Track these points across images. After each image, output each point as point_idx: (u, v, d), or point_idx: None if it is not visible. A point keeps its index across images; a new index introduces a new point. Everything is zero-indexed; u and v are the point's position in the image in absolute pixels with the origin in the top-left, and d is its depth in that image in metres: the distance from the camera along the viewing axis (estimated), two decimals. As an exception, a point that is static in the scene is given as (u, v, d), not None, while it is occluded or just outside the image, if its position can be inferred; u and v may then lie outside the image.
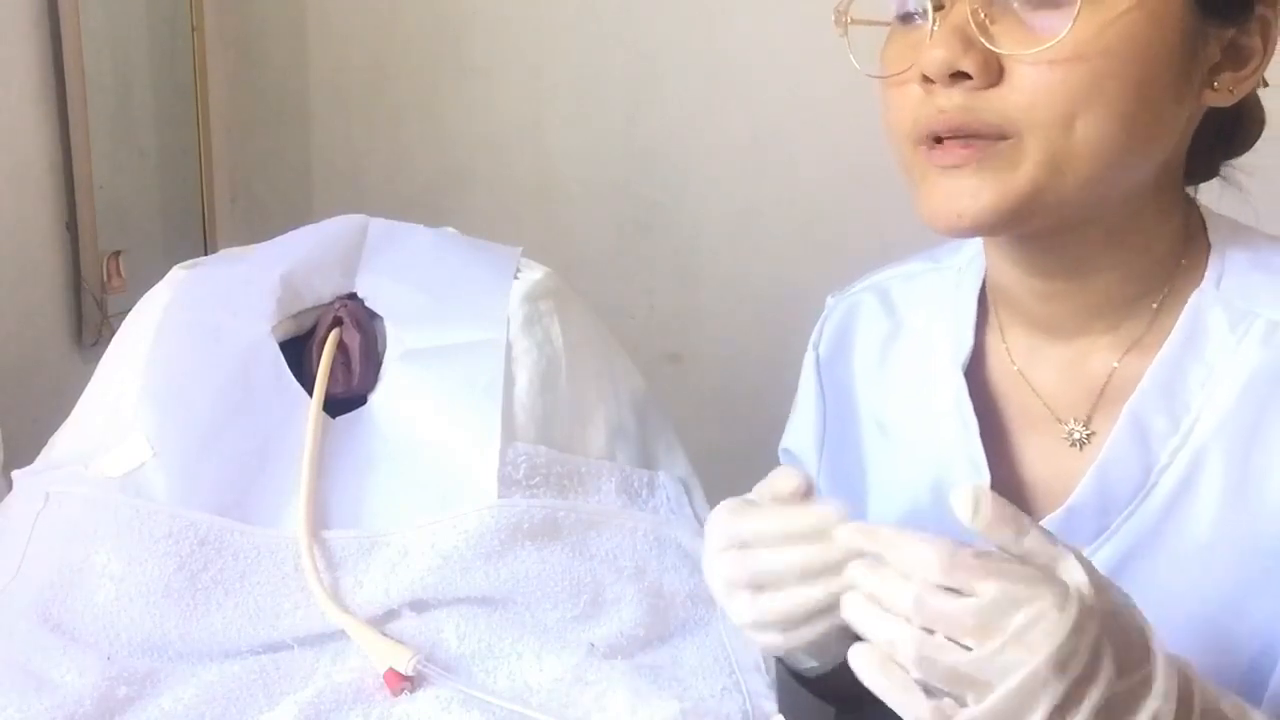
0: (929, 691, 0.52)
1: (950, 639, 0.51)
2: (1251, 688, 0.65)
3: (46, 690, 0.64)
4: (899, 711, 0.53)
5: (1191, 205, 0.72)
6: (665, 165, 1.59)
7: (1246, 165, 0.72)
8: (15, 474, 0.82)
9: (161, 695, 0.66)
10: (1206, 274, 0.69)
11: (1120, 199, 0.66)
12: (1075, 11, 0.59)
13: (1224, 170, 0.72)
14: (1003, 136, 0.62)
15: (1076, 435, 0.71)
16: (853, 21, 0.69)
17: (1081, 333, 0.71)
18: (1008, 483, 0.73)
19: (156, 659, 0.68)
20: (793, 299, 1.62)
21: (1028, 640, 0.50)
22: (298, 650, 0.70)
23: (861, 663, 0.53)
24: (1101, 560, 0.68)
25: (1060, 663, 0.50)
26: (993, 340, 0.76)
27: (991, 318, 0.77)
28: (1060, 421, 0.72)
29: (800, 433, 0.88)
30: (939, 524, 0.74)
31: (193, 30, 1.51)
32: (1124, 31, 0.60)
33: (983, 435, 0.73)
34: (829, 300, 0.89)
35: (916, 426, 0.79)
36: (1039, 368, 0.74)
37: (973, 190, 0.63)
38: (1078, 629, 0.50)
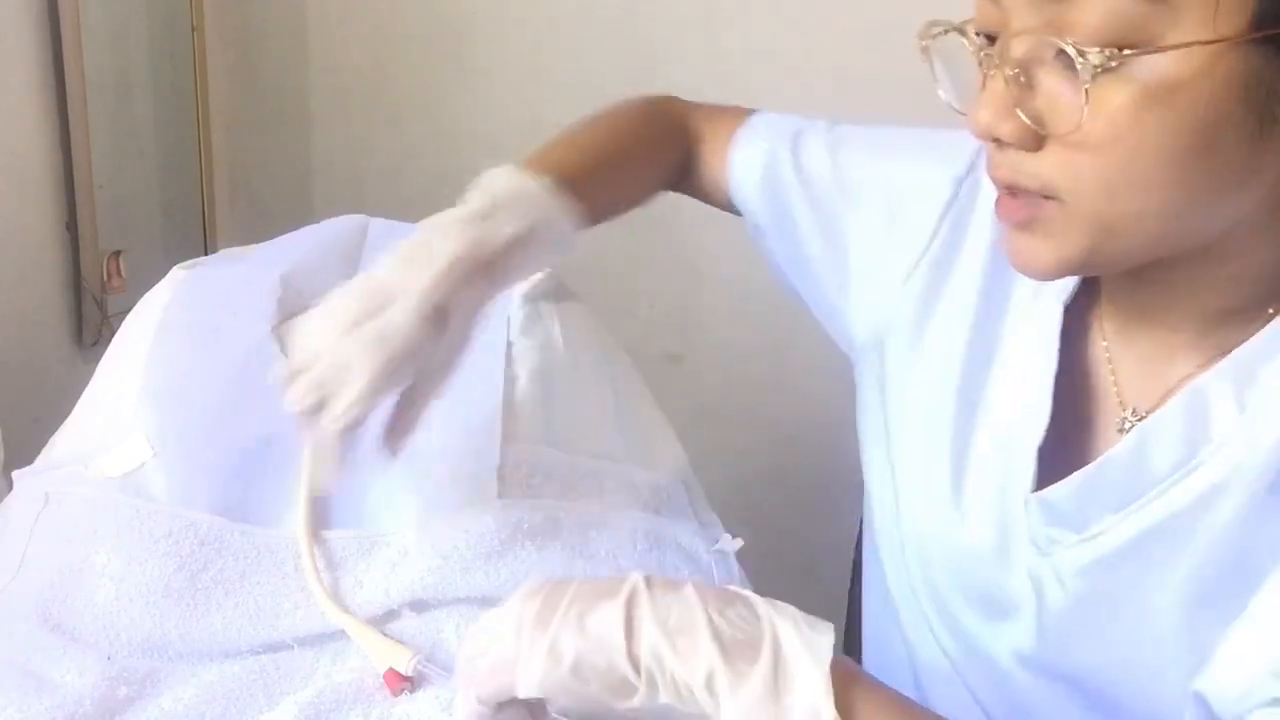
0: None
1: None
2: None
3: (46, 690, 0.64)
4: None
5: None
6: (665, 165, 1.58)
7: None
8: (15, 474, 0.82)
9: (161, 695, 0.66)
10: None
11: (1201, 240, 0.62)
12: (1084, 98, 0.55)
13: None
14: (1049, 196, 0.60)
15: (1128, 424, 0.69)
16: (928, 39, 0.64)
17: (1174, 330, 0.68)
18: (1063, 443, 0.71)
19: (156, 659, 0.68)
20: (793, 299, 1.63)
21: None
22: (298, 650, 0.70)
23: None
24: (1127, 530, 0.66)
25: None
26: (1096, 305, 0.73)
27: (1103, 285, 0.73)
28: (1122, 407, 0.70)
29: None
30: (1000, 462, 0.73)
31: (193, 30, 1.51)
32: (1158, 109, 0.55)
33: (1055, 392, 0.71)
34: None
35: (1014, 365, 0.75)
36: (1124, 352, 0.71)
37: (1033, 249, 0.62)
38: None
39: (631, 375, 0.93)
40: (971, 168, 0.79)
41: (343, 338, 0.67)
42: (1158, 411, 0.66)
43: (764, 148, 0.88)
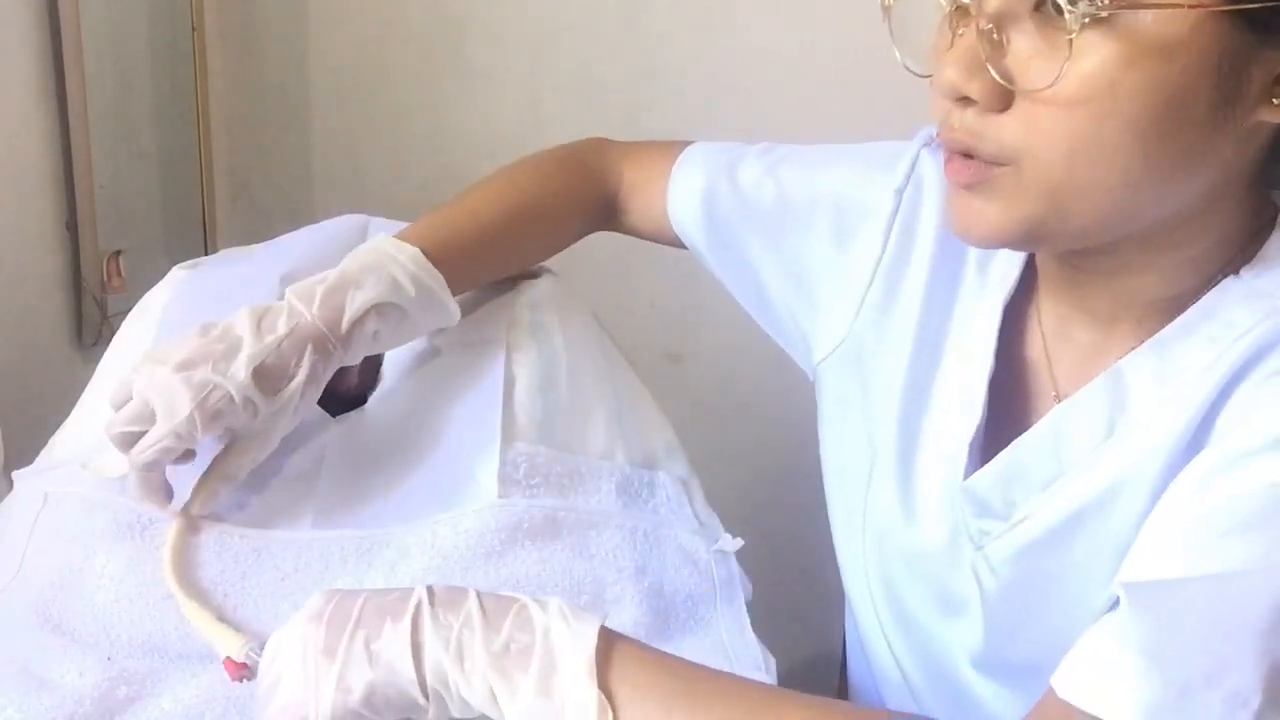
0: None
1: None
2: None
3: (46, 690, 0.64)
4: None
5: (1266, 206, 0.66)
6: (665, 165, 1.58)
7: None
8: (15, 474, 0.82)
9: (161, 695, 0.66)
10: (1249, 265, 0.64)
11: (1146, 223, 0.62)
12: (1067, 54, 0.55)
13: None
14: (1000, 163, 0.60)
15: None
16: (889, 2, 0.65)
17: (1111, 320, 0.68)
18: (999, 437, 0.71)
19: (156, 659, 0.68)
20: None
21: None
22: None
23: None
24: (1052, 514, 0.67)
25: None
26: (1034, 297, 0.74)
27: (1041, 276, 0.74)
28: (1057, 400, 0.70)
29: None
30: (912, 433, 0.74)
31: (193, 30, 1.51)
32: (1134, 72, 0.56)
33: (993, 384, 0.72)
34: (922, 133, 0.82)
35: (957, 358, 0.76)
36: (1061, 345, 0.72)
37: (979, 211, 0.62)
38: None
39: (631, 375, 0.93)
40: (910, 177, 0.79)
41: (171, 375, 0.69)
42: (1078, 392, 0.66)
43: (701, 180, 0.88)
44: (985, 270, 0.75)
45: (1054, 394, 0.71)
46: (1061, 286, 0.71)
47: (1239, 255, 0.65)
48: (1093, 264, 0.67)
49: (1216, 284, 0.64)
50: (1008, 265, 0.74)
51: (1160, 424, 0.63)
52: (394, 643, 0.56)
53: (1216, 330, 0.63)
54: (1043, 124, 0.58)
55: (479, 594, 0.59)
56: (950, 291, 0.77)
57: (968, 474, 0.72)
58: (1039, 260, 0.74)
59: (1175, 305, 0.65)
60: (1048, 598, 0.69)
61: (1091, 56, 0.56)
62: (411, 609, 0.57)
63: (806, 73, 1.49)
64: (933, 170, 0.78)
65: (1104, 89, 0.56)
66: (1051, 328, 0.73)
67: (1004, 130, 0.59)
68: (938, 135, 0.65)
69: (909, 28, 0.65)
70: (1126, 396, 0.65)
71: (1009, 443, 0.70)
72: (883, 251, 0.79)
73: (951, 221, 0.65)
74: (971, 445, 0.72)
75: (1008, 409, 0.73)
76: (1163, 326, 0.65)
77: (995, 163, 0.60)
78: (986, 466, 0.70)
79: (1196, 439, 0.62)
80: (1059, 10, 0.56)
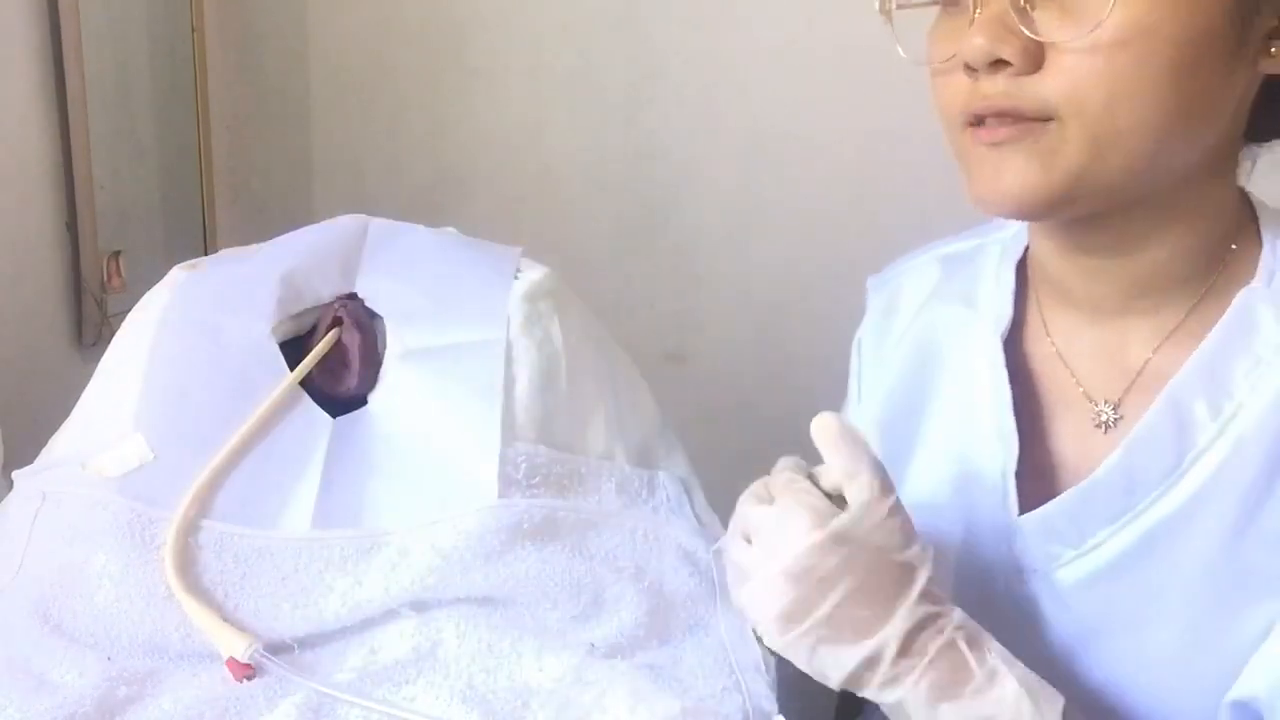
0: None
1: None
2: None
3: (46, 690, 0.64)
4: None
5: (1243, 194, 0.70)
6: (665, 165, 1.59)
7: None
8: (15, 474, 0.82)
9: (161, 695, 0.66)
10: (1259, 270, 0.67)
11: (1168, 179, 0.65)
12: (1111, 2, 0.58)
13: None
14: (1046, 119, 0.61)
15: (1105, 417, 0.70)
16: (898, 6, 0.68)
17: (1121, 313, 0.70)
18: (1036, 459, 0.72)
19: (156, 659, 0.68)
20: (793, 299, 1.63)
21: (771, 548, 0.61)
22: (298, 651, 0.70)
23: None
24: (1123, 542, 0.67)
25: (792, 572, 0.59)
26: (1033, 317, 0.76)
27: (1032, 293, 0.76)
28: (1091, 402, 0.71)
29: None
30: (965, 494, 0.74)
31: (193, 30, 1.51)
32: (1167, 12, 0.59)
33: (1016, 409, 0.73)
34: (869, 284, 0.88)
35: (951, 397, 0.78)
36: (1076, 347, 0.73)
37: (1018, 169, 0.63)
38: (819, 548, 0.59)
39: (632, 375, 0.93)
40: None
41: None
42: (1141, 423, 0.68)
43: None
44: (973, 304, 0.79)
45: (1085, 395, 0.72)
46: (1066, 289, 0.72)
47: (1235, 239, 0.68)
48: (1104, 244, 0.68)
49: (1229, 286, 0.67)
50: (999, 299, 0.77)
51: (1224, 452, 0.65)
52: (845, 661, 0.61)
53: (1259, 347, 0.65)
54: (1083, 74, 0.60)
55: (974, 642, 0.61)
56: (935, 351, 0.81)
57: (1022, 506, 0.72)
58: (1035, 271, 0.76)
59: (1184, 288, 0.68)
60: (1120, 622, 0.69)
61: (1128, 1, 0.58)
62: (875, 644, 0.60)
63: (806, 72, 1.49)
64: (881, 298, 0.87)
65: (1141, 32, 0.59)
66: (1062, 333, 0.74)
67: (1043, 87, 0.61)
68: (953, 116, 0.66)
69: (907, 28, 0.67)
70: (1191, 425, 0.66)
71: (1042, 460, 0.72)
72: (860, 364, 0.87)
73: (981, 188, 0.65)
74: (1018, 475, 0.73)
75: (1033, 428, 0.74)
76: (1175, 312, 0.68)
77: (1043, 119, 0.62)
78: (1061, 499, 0.70)
79: (1267, 471, 0.64)
80: None
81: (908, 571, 0.61)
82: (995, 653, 0.61)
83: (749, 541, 0.63)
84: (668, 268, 1.62)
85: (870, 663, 0.60)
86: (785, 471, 0.65)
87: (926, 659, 0.60)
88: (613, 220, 1.62)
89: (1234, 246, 0.68)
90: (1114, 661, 0.69)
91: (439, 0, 1.59)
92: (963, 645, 0.60)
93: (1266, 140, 0.70)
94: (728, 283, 1.59)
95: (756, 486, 0.66)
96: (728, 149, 1.56)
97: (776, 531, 0.61)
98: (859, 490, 0.62)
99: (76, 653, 0.67)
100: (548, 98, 1.59)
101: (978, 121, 0.64)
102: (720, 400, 1.57)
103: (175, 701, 0.65)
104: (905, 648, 0.60)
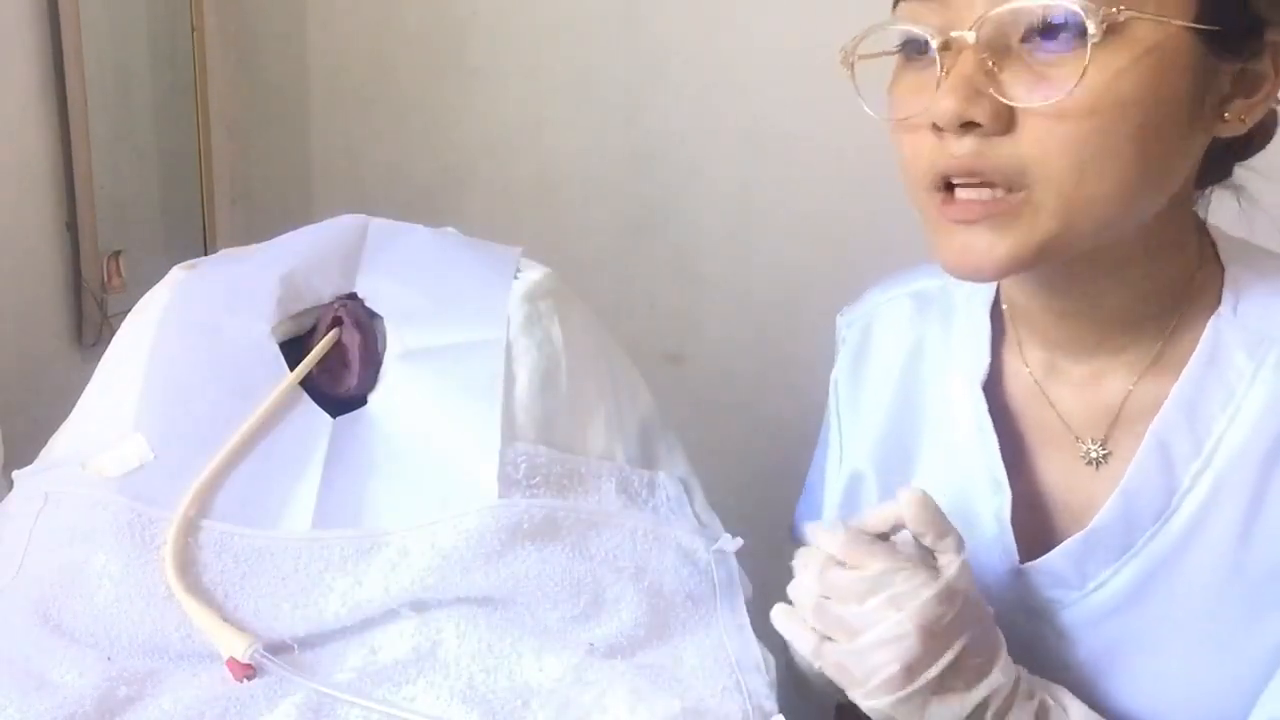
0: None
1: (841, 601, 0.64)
2: (1252, 705, 0.66)
3: (46, 690, 0.64)
4: (793, 645, 0.67)
5: (1200, 224, 0.71)
6: (665, 165, 1.58)
7: (1257, 165, 0.71)
8: (15, 474, 0.82)
9: (161, 695, 0.66)
10: (1223, 298, 0.69)
11: (1134, 231, 0.65)
12: (1084, 65, 0.58)
13: (1236, 171, 0.72)
14: (1013, 189, 0.61)
15: (1094, 454, 0.72)
16: (860, 57, 0.68)
17: (1097, 351, 0.71)
18: (1028, 499, 0.73)
19: (156, 659, 0.68)
20: (793, 299, 1.63)
21: (898, 601, 0.62)
22: (298, 651, 0.70)
23: (776, 615, 0.68)
24: (1124, 579, 0.69)
25: (922, 623, 0.61)
26: (1010, 357, 0.76)
27: (1009, 333, 0.77)
28: (1078, 440, 0.72)
29: (820, 466, 0.90)
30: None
31: (193, 30, 1.51)
32: (1135, 80, 0.59)
33: (1002, 451, 0.73)
34: (839, 320, 0.89)
35: (937, 444, 0.79)
36: (1056, 385, 0.74)
37: (988, 245, 0.63)
38: (942, 599, 0.62)
39: (632, 375, 0.93)
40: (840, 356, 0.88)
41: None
42: (1132, 466, 0.69)
43: None
44: (950, 349, 0.80)
45: (1069, 432, 0.73)
46: (1042, 328, 0.74)
47: (1196, 272, 0.70)
48: (1073, 290, 0.69)
49: (1198, 316, 0.69)
50: (976, 345, 0.78)
51: (1206, 486, 0.67)
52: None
53: (1231, 378, 0.67)
54: (1053, 139, 0.60)
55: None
56: (917, 397, 0.82)
57: (1020, 548, 0.73)
58: (1011, 310, 0.77)
59: (1154, 323, 0.70)
60: (1129, 653, 0.71)
61: (1109, 64, 0.58)
62: (979, 696, 0.64)
63: (806, 72, 1.49)
64: (854, 335, 0.87)
65: (1110, 100, 0.59)
66: (1041, 370, 0.75)
67: (1016, 150, 0.61)
68: (919, 176, 0.65)
69: (869, 81, 0.68)
70: (1175, 466, 0.68)
71: (1030, 496, 0.73)
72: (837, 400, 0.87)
73: (950, 260, 0.65)
74: (1012, 520, 0.74)
75: (1021, 466, 0.75)
76: (1149, 345, 0.70)
77: (1009, 187, 0.61)
78: (1063, 547, 0.71)
79: (1253, 504, 0.66)
80: (1072, 29, 0.58)
81: (992, 619, 0.66)
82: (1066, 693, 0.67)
83: (856, 601, 0.64)
84: (668, 268, 1.62)
85: (980, 709, 0.63)
86: (847, 535, 0.66)
87: (1035, 702, 0.65)
88: (613, 220, 1.62)
89: (1197, 278, 0.70)
90: (1127, 691, 0.70)
91: (439, 0, 1.59)
92: (1042, 690, 0.67)
93: (1206, 186, 0.71)
94: (728, 283, 1.59)
95: (809, 555, 0.67)
96: (728, 149, 1.56)
97: (893, 586, 0.63)
98: (955, 545, 0.65)
99: (76, 653, 0.67)
100: (548, 98, 1.59)
101: (945, 185, 0.63)
102: (720, 400, 1.57)
103: (175, 701, 0.65)
104: (1013, 691, 0.64)
